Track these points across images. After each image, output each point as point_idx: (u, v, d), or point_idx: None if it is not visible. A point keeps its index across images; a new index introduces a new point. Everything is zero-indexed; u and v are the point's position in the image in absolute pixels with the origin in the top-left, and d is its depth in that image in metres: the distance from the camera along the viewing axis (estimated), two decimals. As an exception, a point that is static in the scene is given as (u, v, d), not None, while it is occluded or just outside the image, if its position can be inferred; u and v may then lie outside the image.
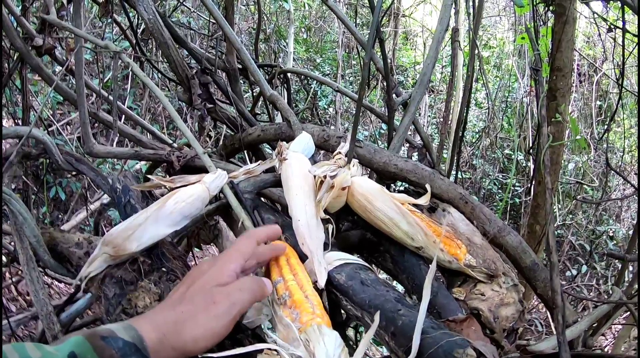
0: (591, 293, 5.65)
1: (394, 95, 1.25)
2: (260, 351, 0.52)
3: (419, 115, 6.25)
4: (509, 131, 6.58)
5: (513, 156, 6.25)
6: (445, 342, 0.51)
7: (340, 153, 0.91)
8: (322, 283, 0.67)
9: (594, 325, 1.06)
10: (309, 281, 0.65)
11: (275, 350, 0.51)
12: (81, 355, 0.48)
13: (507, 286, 0.72)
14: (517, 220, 5.97)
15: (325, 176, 0.79)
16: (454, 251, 0.74)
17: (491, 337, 0.67)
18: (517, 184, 6.21)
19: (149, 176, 0.94)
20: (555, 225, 5.47)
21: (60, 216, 4.50)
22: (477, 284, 0.72)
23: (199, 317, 0.55)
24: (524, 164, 6.03)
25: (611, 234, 6.05)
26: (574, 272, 5.76)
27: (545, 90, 2.00)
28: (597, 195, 5.98)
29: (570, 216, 6.12)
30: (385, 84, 1.26)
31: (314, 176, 0.82)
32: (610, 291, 0.89)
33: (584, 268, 5.76)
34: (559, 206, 5.88)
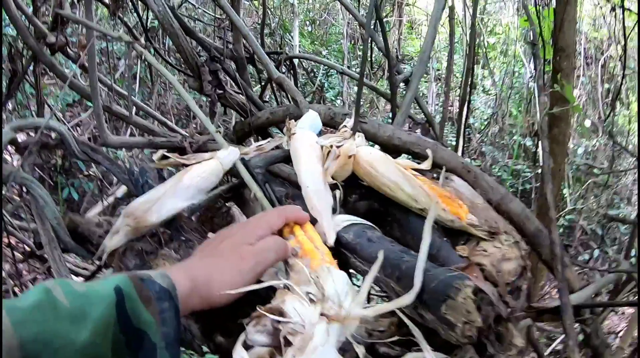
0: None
1: (395, 73, 1.29)
2: (274, 291, 0.56)
3: (427, 103, 6.26)
4: (517, 117, 6.57)
5: (517, 139, 6.23)
6: (445, 276, 0.54)
7: (345, 126, 0.95)
8: (331, 241, 0.71)
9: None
10: (318, 237, 0.69)
11: (288, 287, 0.55)
12: (125, 289, 0.52)
13: (508, 243, 0.75)
14: (528, 206, 5.94)
15: (331, 146, 0.83)
16: (456, 210, 0.77)
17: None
18: (527, 170, 6.19)
19: (165, 154, 0.99)
20: (566, 210, 5.48)
21: (74, 215, 4.57)
22: (479, 242, 0.76)
23: (227, 271, 0.61)
24: (534, 151, 6.01)
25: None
26: (587, 257, 5.74)
27: (541, 66, 2.01)
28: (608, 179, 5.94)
29: (582, 200, 6.10)
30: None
31: (321, 147, 0.86)
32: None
33: (596, 252, 5.74)
34: (570, 191, 5.86)
